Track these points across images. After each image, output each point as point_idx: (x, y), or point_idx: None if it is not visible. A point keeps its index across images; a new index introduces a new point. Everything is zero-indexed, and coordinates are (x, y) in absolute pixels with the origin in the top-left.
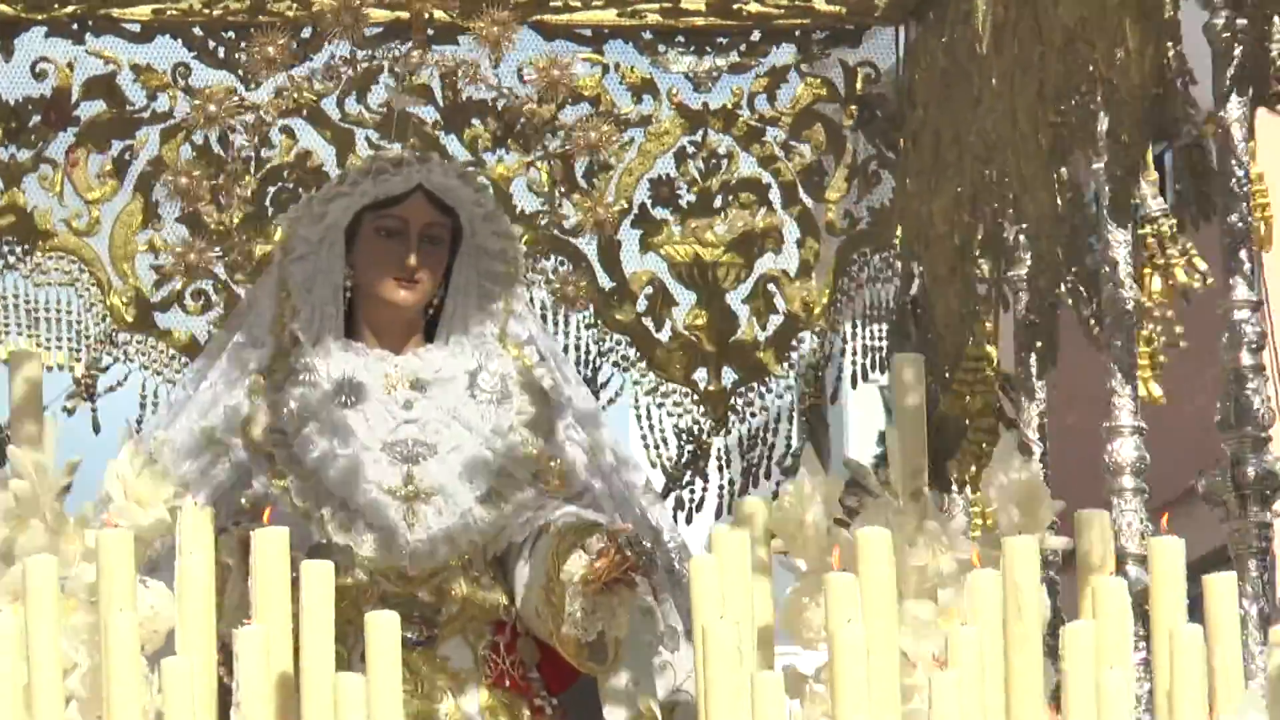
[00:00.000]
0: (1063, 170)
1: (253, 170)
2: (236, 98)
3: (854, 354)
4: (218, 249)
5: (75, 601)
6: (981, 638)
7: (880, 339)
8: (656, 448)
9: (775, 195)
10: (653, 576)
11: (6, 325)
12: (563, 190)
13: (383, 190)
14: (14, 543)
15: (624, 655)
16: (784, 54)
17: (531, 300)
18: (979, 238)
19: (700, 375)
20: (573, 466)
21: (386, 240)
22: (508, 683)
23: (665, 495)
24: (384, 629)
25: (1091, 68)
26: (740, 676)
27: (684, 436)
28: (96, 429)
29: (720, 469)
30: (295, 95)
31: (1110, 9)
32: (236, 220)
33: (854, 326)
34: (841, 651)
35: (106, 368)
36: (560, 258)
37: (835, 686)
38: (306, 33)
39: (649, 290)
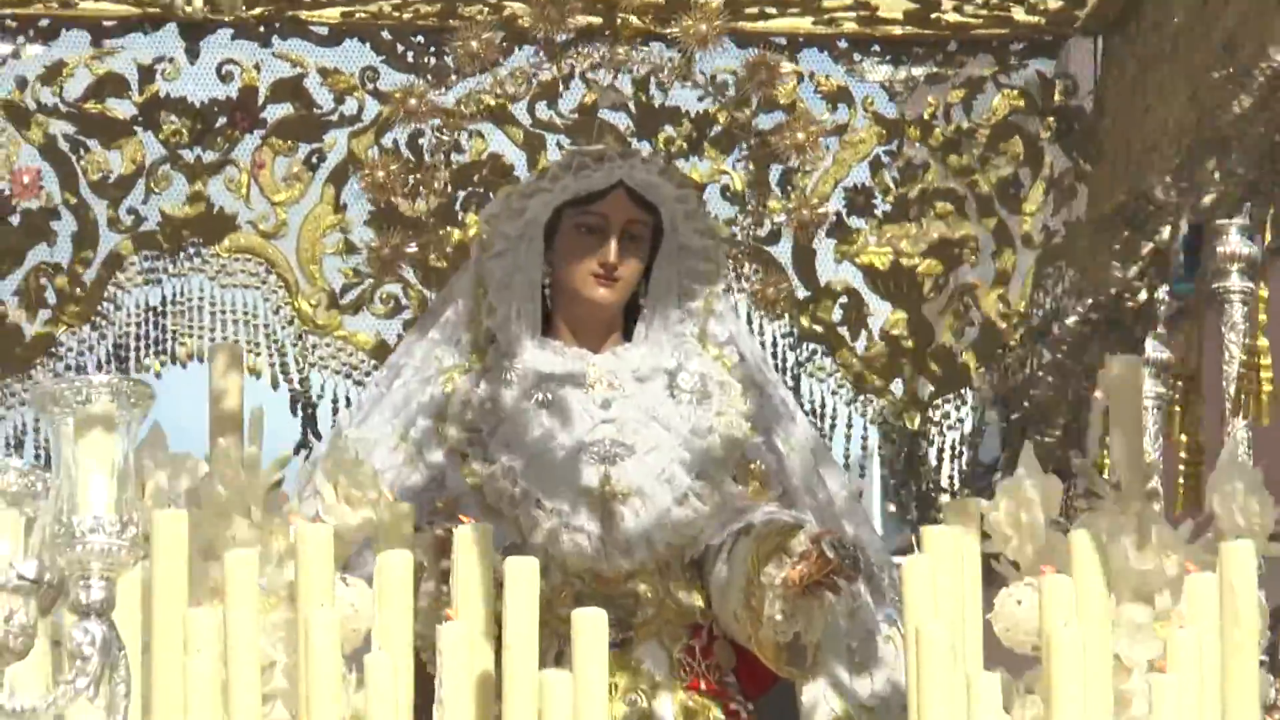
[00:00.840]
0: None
1: (446, 174)
2: (435, 95)
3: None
4: (412, 244)
5: (276, 599)
6: (1200, 641)
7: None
8: (857, 455)
9: (971, 207)
10: (857, 580)
11: (190, 328)
12: (757, 200)
13: (584, 186)
14: (217, 538)
15: (823, 660)
16: (981, 65)
17: (735, 305)
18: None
19: (897, 386)
20: (773, 469)
21: (586, 237)
22: (703, 686)
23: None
24: (591, 626)
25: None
26: (955, 678)
27: (888, 445)
28: (316, 432)
29: (927, 477)
30: (487, 98)
31: (1269, 8)
32: (430, 218)
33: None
34: (1057, 653)
35: (305, 376)
36: (756, 265)
37: (1051, 689)
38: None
39: (844, 300)
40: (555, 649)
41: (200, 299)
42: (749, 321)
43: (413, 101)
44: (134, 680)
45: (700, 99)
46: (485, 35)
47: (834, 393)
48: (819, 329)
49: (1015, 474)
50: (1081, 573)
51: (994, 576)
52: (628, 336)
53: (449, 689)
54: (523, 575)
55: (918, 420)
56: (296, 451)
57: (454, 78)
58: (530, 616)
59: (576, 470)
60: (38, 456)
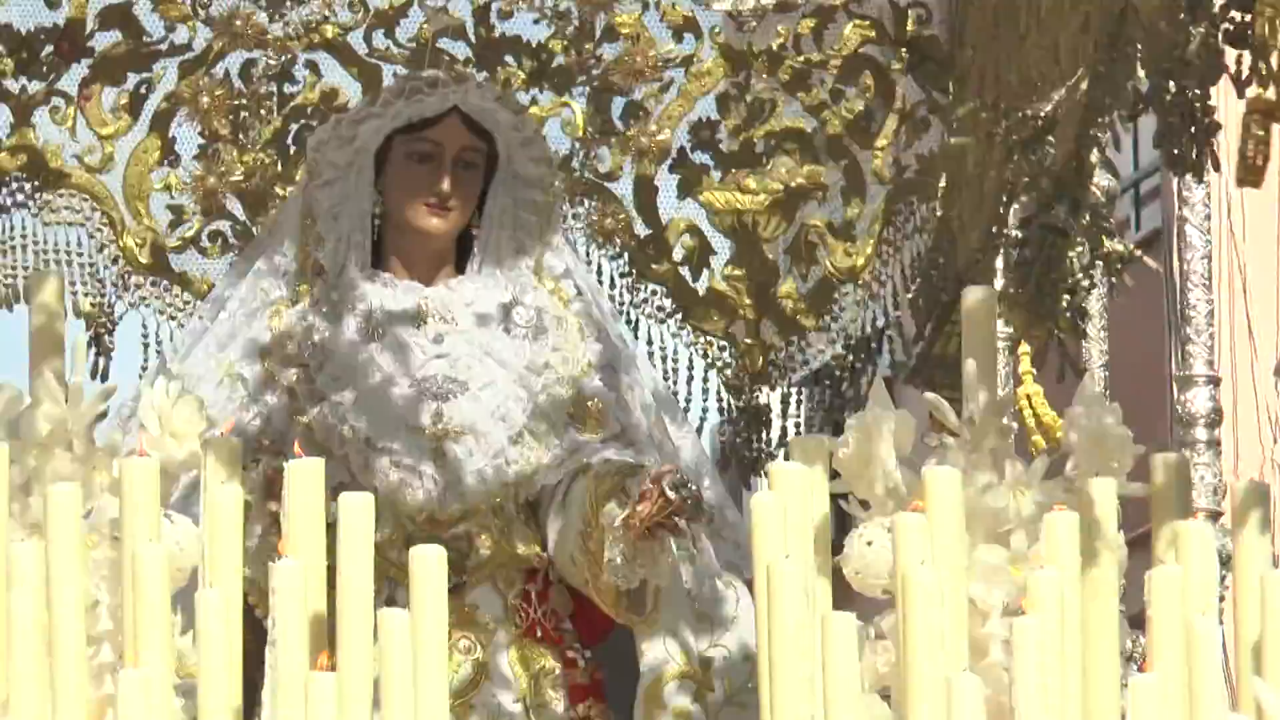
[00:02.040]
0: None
1: (275, 104)
2: (266, 22)
3: (900, 309)
4: (238, 173)
5: (97, 536)
6: (1061, 582)
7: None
8: (698, 401)
9: (821, 146)
10: (698, 520)
11: (13, 268)
12: (595, 132)
13: (416, 112)
14: (40, 472)
15: (663, 605)
16: None
17: (572, 239)
18: (1008, 180)
19: (738, 329)
20: (610, 406)
21: (418, 165)
22: (539, 633)
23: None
24: (430, 563)
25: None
26: (808, 620)
27: (729, 391)
28: (104, 376)
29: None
30: (326, 29)
31: None
32: (258, 151)
33: (902, 279)
34: (913, 595)
35: (121, 314)
36: (595, 201)
37: (906, 633)
38: None
39: (686, 239)
40: (386, 594)
41: (23, 237)
42: (586, 257)
43: (238, 23)
44: None
45: (537, 22)
46: (244, 11)
47: (674, 335)
48: (659, 269)
49: (866, 409)
50: (937, 511)
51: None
52: (461, 269)
53: (282, 629)
54: (357, 511)
55: (760, 362)
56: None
57: (288, 3)
58: (365, 554)
59: (408, 408)
60: None
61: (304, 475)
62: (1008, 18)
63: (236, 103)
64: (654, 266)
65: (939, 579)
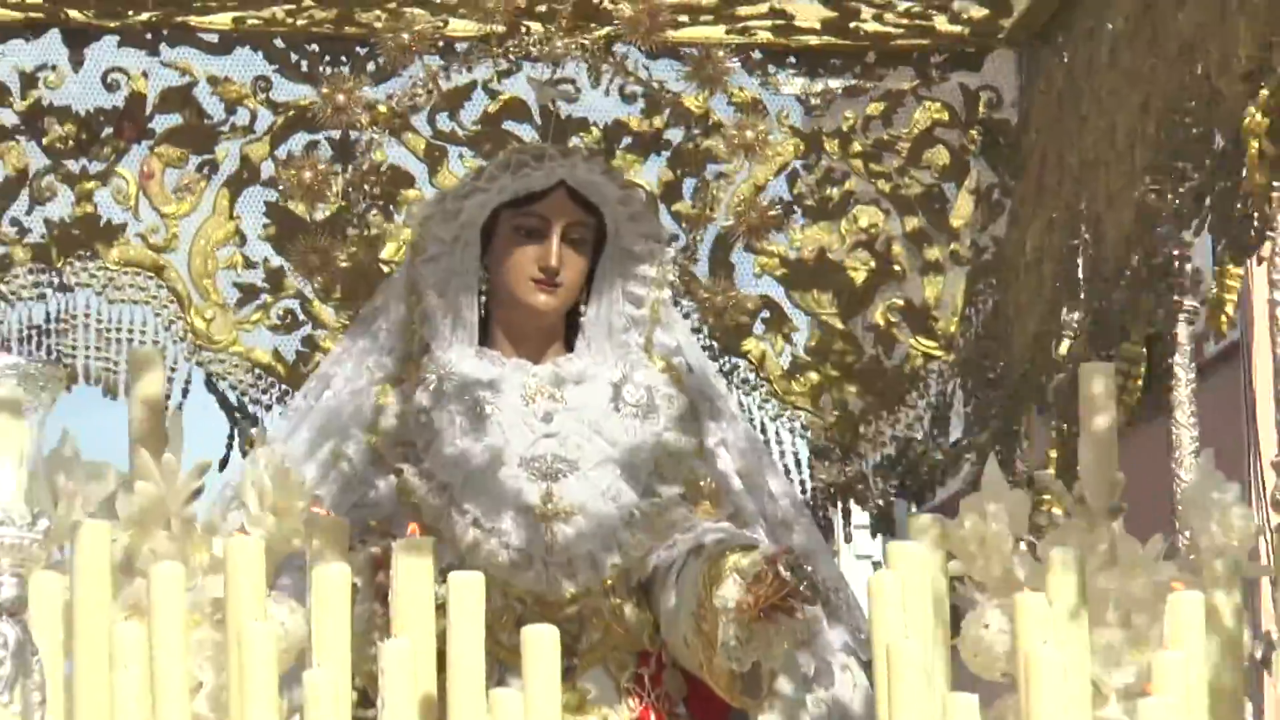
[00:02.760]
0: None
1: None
2: (363, 90)
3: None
4: (339, 251)
5: (199, 617)
6: (1188, 663)
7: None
8: (795, 474)
9: (895, 223)
10: (814, 603)
11: (74, 346)
12: (702, 207)
13: (522, 186)
14: (137, 552)
15: (779, 689)
16: (900, 77)
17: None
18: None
19: (825, 401)
20: (724, 485)
21: (526, 240)
22: (653, 717)
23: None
24: (542, 643)
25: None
26: (929, 700)
27: (821, 463)
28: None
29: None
30: (383, 107)
31: (1229, 14)
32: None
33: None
34: (1036, 675)
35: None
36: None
37: (1029, 714)
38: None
39: (765, 314)
40: (496, 677)
41: (87, 316)
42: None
43: (340, 98)
44: (55, 696)
45: (629, 98)
46: (417, 28)
47: (760, 407)
48: (741, 343)
49: (980, 490)
50: (1057, 592)
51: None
52: (569, 346)
53: (392, 711)
54: (468, 589)
55: (849, 437)
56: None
57: (388, 69)
58: (476, 632)
59: (516, 487)
60: None
61: (412, 553)
62: (1071, 102)
63: (330, 172)
64: (737, 342)
65: (1062, 658)
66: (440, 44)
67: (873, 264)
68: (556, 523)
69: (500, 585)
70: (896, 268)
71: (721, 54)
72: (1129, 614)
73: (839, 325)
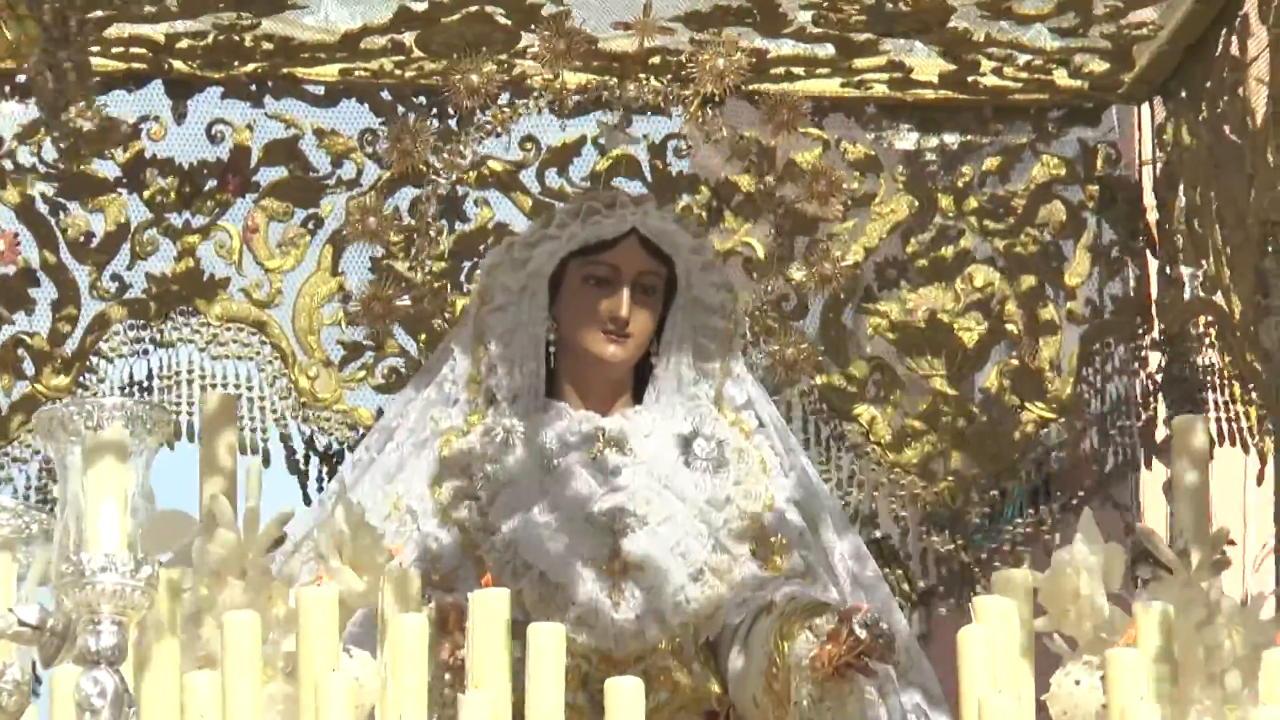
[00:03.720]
0: None
1: (445, 236)
2: (433, 133)
3: (1102, 446)
4: (405, 298)
5: (272, 670)
6: None
7: (1127, 434)
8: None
9: (1011, 275)
10: (889, 661)
11: (178, 403)
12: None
13: (593, 234)
14: (210, 603)
15: None
16: (1017, 132)
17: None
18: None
19: (937, 467)
20: (794, 542)
21: (595, 289)
22: None
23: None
24: (627, 695)
25: None
26: None
27: (924, 529)
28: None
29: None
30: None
31: None
32: (427, 275)
33: (1101, 422)
34: None
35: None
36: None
37: None
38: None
39: (876, 376)
40: None
41: (190, 371)
42: (773, 392)
43: (407, 140)
44: None
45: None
46: (486, 68)
47: (871, 470)
48: (849, 406)
49: (1074, 542)
50: (1150, 649)
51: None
52: (638, 398)
53: None
54: (548, 639)
55: (959, 500)
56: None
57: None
58: (557, 684)
59: (584, 543)
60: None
61: (488, 605)
62: (1230, 160)
63: (406, 225)
64: (844, 405)
65: (1158, 715)
66: (537, 97)
67: (985, 325)
68: (624, 578)
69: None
70: (1010, 328)
71: (797, 98)
72: (1224, 673)
73: (950, 390)
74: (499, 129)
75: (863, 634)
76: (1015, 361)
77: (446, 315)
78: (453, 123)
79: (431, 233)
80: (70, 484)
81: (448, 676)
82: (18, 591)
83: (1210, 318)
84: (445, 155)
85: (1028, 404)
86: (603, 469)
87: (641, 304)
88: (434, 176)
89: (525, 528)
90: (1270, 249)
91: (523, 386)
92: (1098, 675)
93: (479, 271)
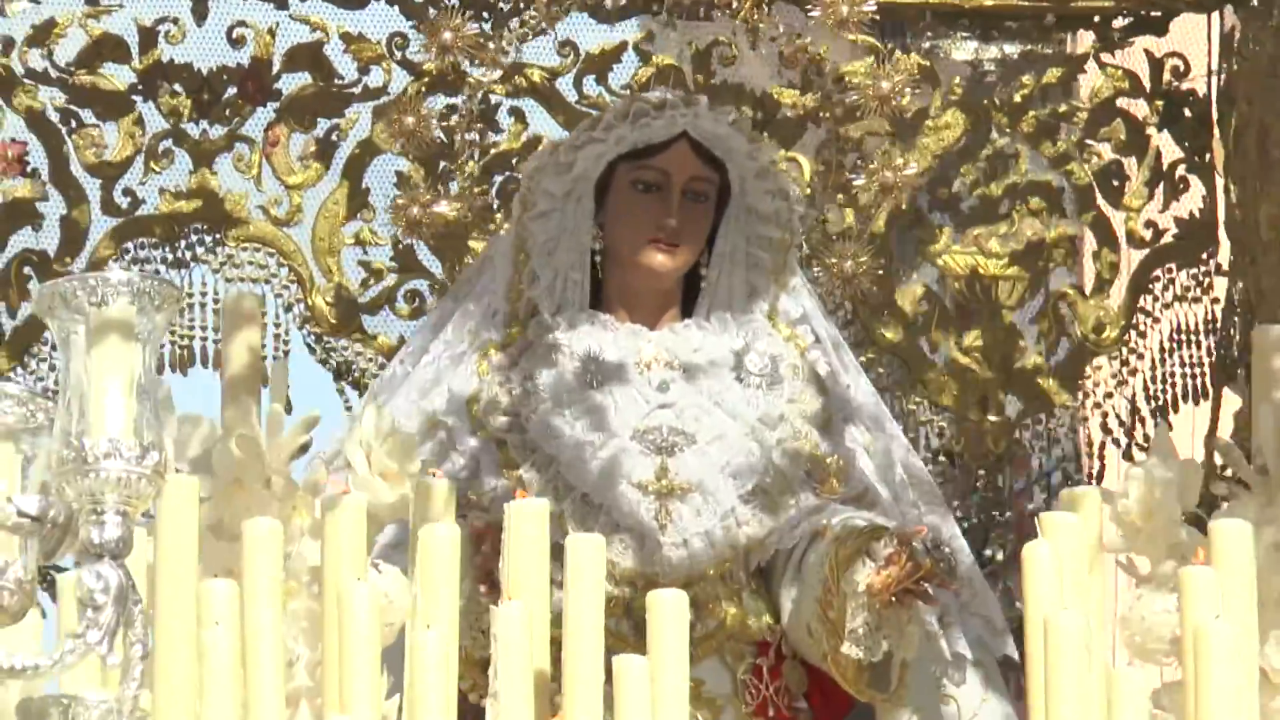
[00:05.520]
0: None
1: (478, 152)
2: (475, 31)
3: (1160, 381)
4: (443, 203)
5: (296, 584)
6: None
7: (1192, 364)
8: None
9: (1068, 201)
10: (950, 588)
11: (191, 327)
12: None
13: (642, 137)
14: (231, 511)
15: (909, 683)
16: (1081, 42)
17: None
18: None
19: (979, 405)
20: (852, 463)
21: (643, 195)
22: (771, 712)
23: None
24: (670, 606)
25: None
26: (1092, 677)
27: (963, 473)
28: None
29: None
30: (524, 71)
31: None
32: (468, 183)
33: (1161, 352)
34: (1206, 651)
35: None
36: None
37: (1194, 695)
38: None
39: (923, 306)
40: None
41: (203, 295)
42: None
43: (448, 35)
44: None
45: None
46: (455, 22)
47: (909, 412)
48: (892, 337)
49: (1147, 458)
50: (1227, 568)
51: None
52: (687, 312)
53: (505, 679)
54: (587, 551)
55: (1003, 444)
56: None
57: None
58: (596, 600)
59: (629, 462)
60: None
61: (527, 516)
62: None
63: (442, 127)
64: (886, 334)
65: (1233, 634)
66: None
67: (1039, 254)
68: (671, 500)
69: (608, 568)
70: (1065, 259)
71: None
72: None
73: (1001, 321)
74: (544, 24)
75: (924, 559)
76: (1070, 292)
77: (488, 229)
78: (487, 26)
79: (473, 135)
80: (73, 365)
81: (483, 589)
82: (22, 484)
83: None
84: (489, 53)
85: (1085, 334)
86: (650, 385)
87: (692, 211)
88: (476, 78)
89: (568, 446)
90: None
91: (567, 297)
92: (1172, 599)
93: (523, 176)
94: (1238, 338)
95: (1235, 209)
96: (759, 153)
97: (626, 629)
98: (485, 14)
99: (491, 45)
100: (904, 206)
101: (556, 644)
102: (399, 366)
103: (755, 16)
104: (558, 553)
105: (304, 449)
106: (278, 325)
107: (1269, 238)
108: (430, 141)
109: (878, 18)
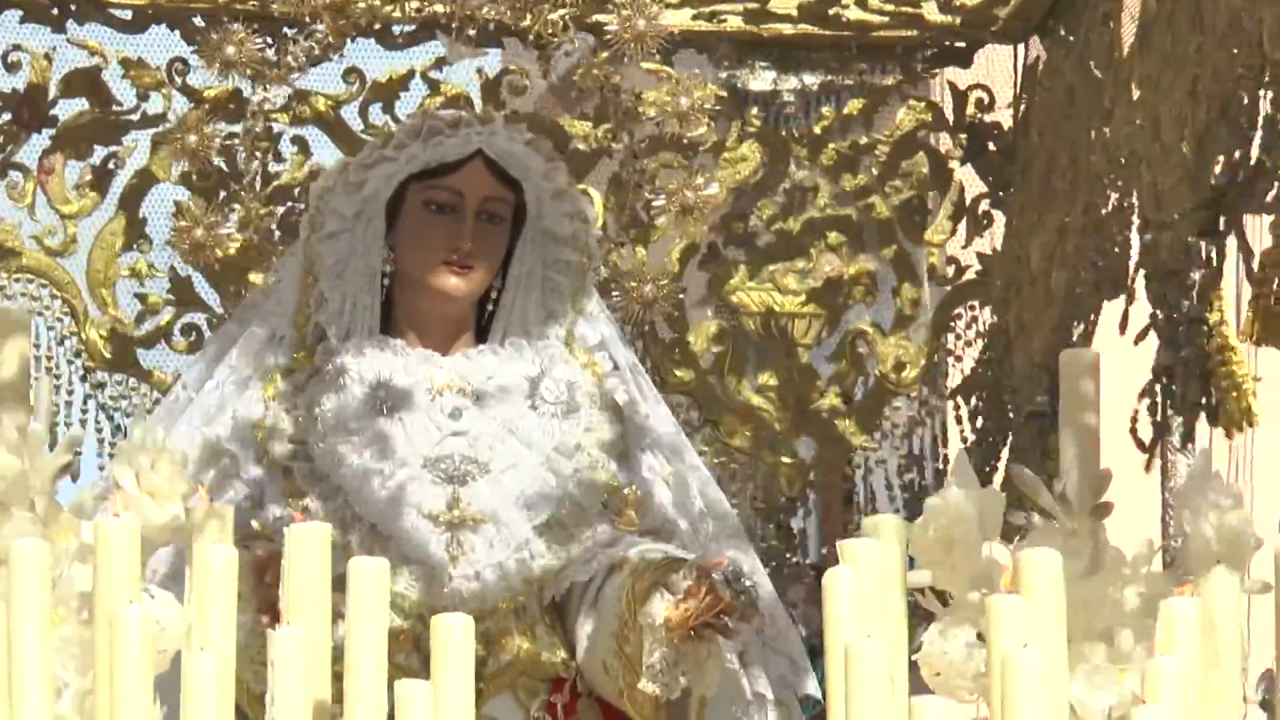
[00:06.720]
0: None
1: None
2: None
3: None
4: (229, 225)
5: (64, 611)
6: (1184, 673)
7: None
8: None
9: (871, 235)
10: (751, 621)
11: None
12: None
13: (434, 156)
14: None
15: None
16: (882, 73)
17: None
18: (1082, 274)
19: (772, 446)
20: (650, 495)
21: (436, 216)
22: None
23: None
24: (455, 631)
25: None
26: (894, 706)
27: (758, 515)
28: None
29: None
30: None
31: None
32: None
33: (960, 392)
34: (1014, 682)
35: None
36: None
37: None
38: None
39: (716, 347)
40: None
41: None
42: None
43: (231, 50)
44: None
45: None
46: (239, 37)
47: (702, 451)
48: (684, 377)
49: (947, 488)
50: (1036, 599)
51: None
52: (481, 337)
53: (281, 706)
54: (370, 576)
55: (797, 487)
56: None
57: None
58: (380, 622)
59: (418, 491)
60: None
61: (307, 540)
62: (1086, 97)
63: (225, 148)
64: (678, 374)
65: (1043, 662)
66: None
67: (838, 291)
68: (463, 531)
69: (396, 600)
70: (864, 296)
71: (655, 9)
72: (1112, 629)
73: (796, 361)
74: (331, 39)
75: (724, 591)
76: (869, 329)
77: (268, 263)
78: (270, 52)
79: (256, 160)
80: None
81: (265, 619)
82: None
83: None
84: (275, 71)
85: (883, 371)
86: (442, 412)
87: (487, 233)
88: (258, 101)
89: (355, 475)
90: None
91: (355, 322)
92: (973, 633)
93: (311, 196)
94: (990, 373)
95: (1011, 240)
96: (556, 174)
97: (416, 663)
98: (269, 37)
99: (279, 62)
100: (706, 230)
101: (339, 679)
102: (181, 392)
103: (550, 33)
104: (341, 585)
105: (66, 469)
106: (49, 359)
107: (1039, 268)
108: (211, 163)
109: (675, 32)
